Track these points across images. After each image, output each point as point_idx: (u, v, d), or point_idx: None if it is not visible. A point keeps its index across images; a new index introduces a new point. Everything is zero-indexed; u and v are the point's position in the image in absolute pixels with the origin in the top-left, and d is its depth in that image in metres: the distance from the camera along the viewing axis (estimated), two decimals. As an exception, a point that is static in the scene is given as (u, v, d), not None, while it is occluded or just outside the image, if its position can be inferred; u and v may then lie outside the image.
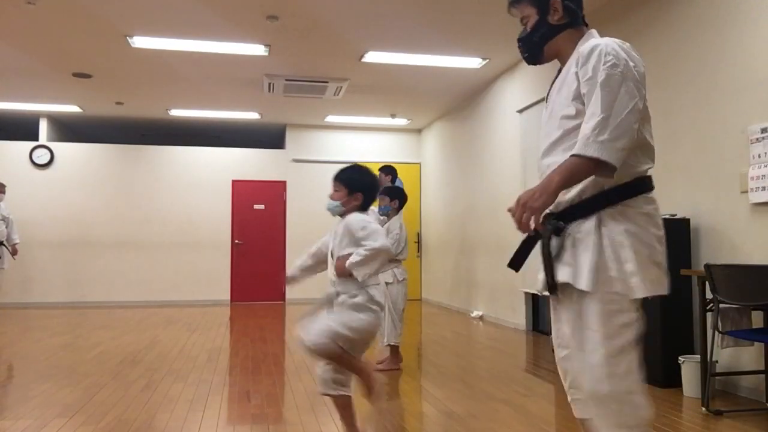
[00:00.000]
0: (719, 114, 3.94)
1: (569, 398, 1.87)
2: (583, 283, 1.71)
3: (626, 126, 1.67)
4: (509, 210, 1.73)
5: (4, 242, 7.87)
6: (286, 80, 7.30)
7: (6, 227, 7.92)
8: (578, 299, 1.75)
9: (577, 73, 1.80)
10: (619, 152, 1.66)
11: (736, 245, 3.79)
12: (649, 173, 1.82)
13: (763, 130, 3.59)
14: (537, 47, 1.98)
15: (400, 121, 10.01)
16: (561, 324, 1.83)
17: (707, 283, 3.47)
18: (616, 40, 1.80)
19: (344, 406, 2.68)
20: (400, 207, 4.79)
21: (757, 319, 3.59)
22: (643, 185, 1.79)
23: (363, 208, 2.76)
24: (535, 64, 2.05)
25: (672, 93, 4.37)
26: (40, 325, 7.16)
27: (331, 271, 2.73)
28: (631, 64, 1.75)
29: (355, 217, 2.69)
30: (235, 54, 6.43)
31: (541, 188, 1.69)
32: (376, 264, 2.59)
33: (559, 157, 1.78)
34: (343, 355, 2.58)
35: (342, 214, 2.76)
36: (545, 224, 1.80)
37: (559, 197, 1.77)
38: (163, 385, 4.07)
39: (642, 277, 1.72)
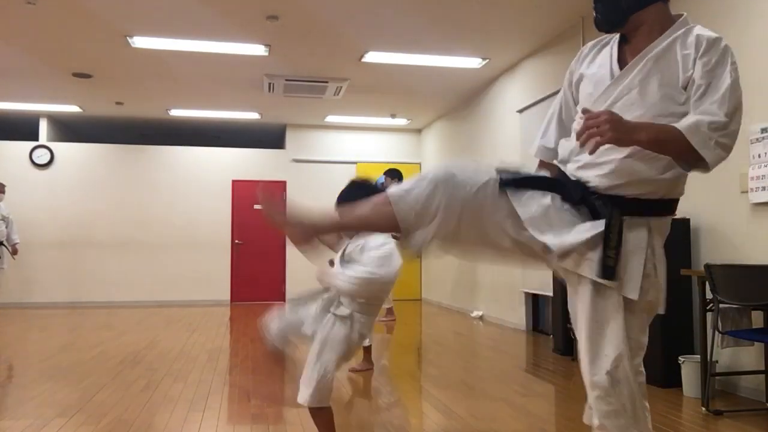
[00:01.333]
0: (719, 114, 3.94)
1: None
2: (632, 291, 1.65)
3: (734, 140, 1.60)
4: (585, 113, 1.57)
5: (4, 242, 7.86)
6: (286, 80, 7.30)
7: (6, 227, 7.91)
8: (617, 303, 1.66)
9: (693, 59, 1.64)
10: (720, 160, 1.58)
11: (736, 245, 3.79)
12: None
13: (763, 130, 3.60)
14: (622, 14, 1.76)
15: (400, 121, 10.01)
16: (593, 322, 1.69)
17: (707, 283, 3.47)
18: None
19: (326, 420, 2.55)
20: None
21: (757, 319, 3.59)
22: (676, 206, 1.76)
23: None
24: (609, 31, 1.84)
25: (672, 93, 4.36)
26: (40, 325, 7.16)
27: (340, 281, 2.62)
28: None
29: (378, 239, 2.54)
30: (235, 54, 6.43)
31: (631, 128, 1.54)
32: (366, 292, 2.47)
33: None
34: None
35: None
36: (612, 210, 1.64)
37: (613, 181, 1.65)
38: (163, 385, 4.07)
39: (665, 295, 1.73)
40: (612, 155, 1.66)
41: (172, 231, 9.80)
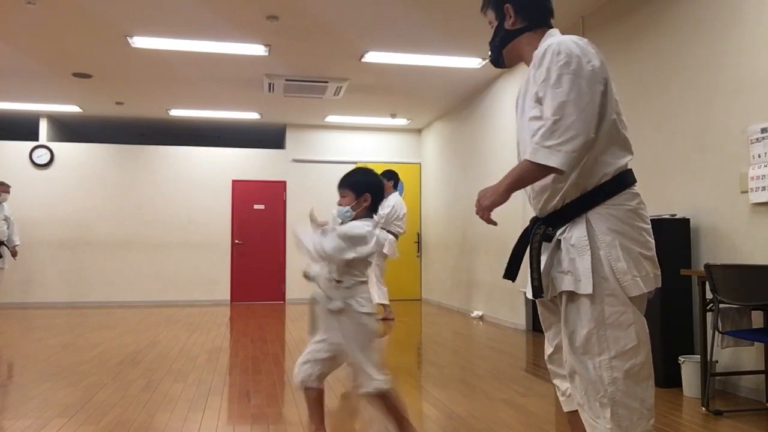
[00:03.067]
0: (719, 114, 3.94)
1: (562, 392, 1.93)
2: (585, 287, 1.71)
3: (578, 128, 1.65)
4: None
5: (5, 242, 7.86)
6: (286, 80, 7.30)
7: (7, 228, 7.90)
8: (581, 304, 1.74)
9: (533, 75, 1.81)
10: (569, 155, 1.65)
11: (736, 245, 3.79)
12: (629, 166, 1.81)
13: (763, 130, 3.60)
14: (496, 52, 2.02)
15: (400, 121, 10.01)
16: (562, 328, 1.81)
17: (707, 283, 3.47)
18: (573, 36, 1.79)
19: (315, 399, 2.70)
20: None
21: (757, 319, 3.59)
22: (625, 180, 1.78)
23: (372, 209, 2.70)
24: (499, 67, 2.09)
25: (672, 93, 4.37)
26: (40, 325, 7.16)
27: (317, 272, 2.69)
28: (585, 60, 1.71)
29: (358, 222, 2.63)
30: (235, 54, 6.43)
31: (493, 189, 1.76)
32: (306, 253, 2.56)
33: None
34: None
35: (354, 219, 2.68)
36: (534, 231, 1.83)
37: (543, 204, 1.83)
38: (163, 385, 4.07)
39: (634, 275, 1.72)
40: (532, 185, 1.86)
41: (172, 231, 9.79)
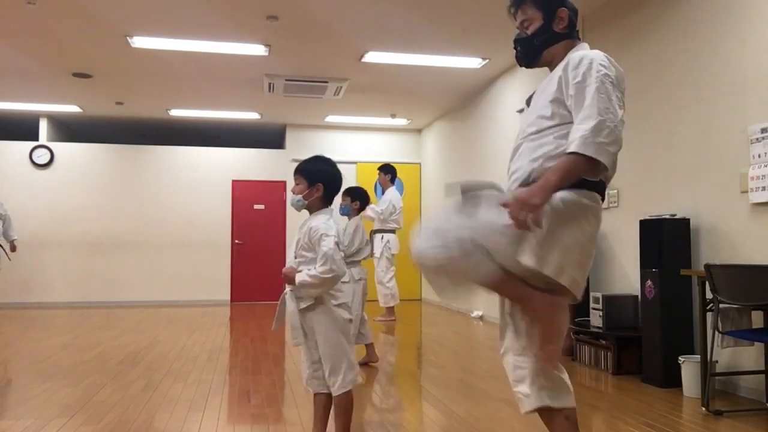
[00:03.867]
0: (719, 114, 3.94)
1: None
2: (529, 260, 1.78)
3: (618, 133, 1.75)
4: (504, 205, 1.73)
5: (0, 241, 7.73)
6: (286, 80, 7.30)
7: (2, 224, 7.78)
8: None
9: (561, 78, 1.88)
10: (612, 156, 1.74)
11: (736, 245, 3.79)
12: (600, 179, 1.87)
13: (763, 130, 3.60)
14: (536, 51, 2.04)
15: (400, 121, 10.01)
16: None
17: (707, 283, 3.47)
18: (604, 54, 1.90)
19: (324, 404, 2.70)
20: (361, 209, 4.75)
21: (757, 319, 3.59)
22: (590, 182, 1.84)
23: (326, 200, 2.66)
24: (528, 67, 2.11)
25: (672, 93, 4.37)
26: (40, 325, 7.16)
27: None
28: (620, 77, 1.84)
29: (321, 223, 2.58)
30: (235, 54, 6.43)
31: (540, 187, 1.72)
32: (323, 288, 2.54)
33: (525, 158, 1.92)
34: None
35: (307, 208, 2.67)
36: None
37: (513, 185, 1.91)
38: (163, 385, 4.07)
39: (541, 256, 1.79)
40: (517, 164, 1.95)
41: (172, 231, 9.79)
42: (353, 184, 5.03)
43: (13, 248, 7.84)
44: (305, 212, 2.72)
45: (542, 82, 2.04)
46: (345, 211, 4.71)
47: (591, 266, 1.91)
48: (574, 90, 1.81)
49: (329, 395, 2.64)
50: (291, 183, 9.55)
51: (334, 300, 2.62)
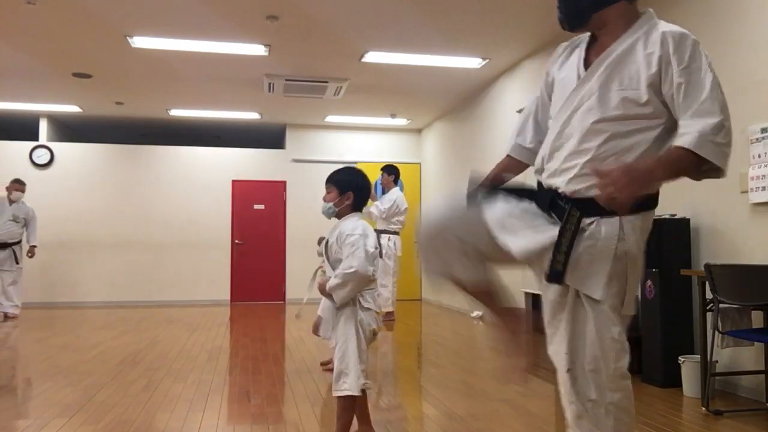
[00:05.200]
0: (719, 114, 3.93)
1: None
2: (598, 292, 1.62)
3: (732, 135, 1.57)
4: (598, 173, 1.50)
5: (19, 243, 7.74)
6: (286, 80, 7.30)
7: (24, 228, 7.78)
8: (583, 305, 1.66)
9: (659, 57, 1.61)
10: (728, 159, 1.55)
11: (736, 245, 3.79)
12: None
13: (763, 130, 3.60)
14: (586, 12, 1.74)
15: (400, 121, 10.01)
16: (561, 324, 1.73)
17: (707, 283, 3.47)
18: None
19: (359, 404, 2.76)
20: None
21: (757, 319, 3.59)
22: (657, 201, 1.71)
23: (355, 207, 2.82)
24: (571, 30, 1.81)
25: (672, 93, 4.36)
26: (39, 325, 7.16)
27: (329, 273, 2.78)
28: None
29: (349, 225, 2.73)
30: (235, 54, 6.42)
31: (644, 176, 1.50)
32: (352, 285, 2.62)
33: (597, 142, 1.63)
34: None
35: (337, 216, 2.83)
36: (570, 212, 1.65)
37: (581, 184, 1.64)
38: (163, 385, 4.07)
39: (633, 295, 1.67)
40: (576, 159, 1.67)
41: (172, 231, 9.79)
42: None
43: (31, 254, 7.82)
44: (306, 214, 2.84)
45: (604, 53, 1.69)
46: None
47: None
48: (683, 77, 1.57)
49: (355, 396, 2.67)
50: (291, 183, 9.58)
51: (364, 302, 2.70)
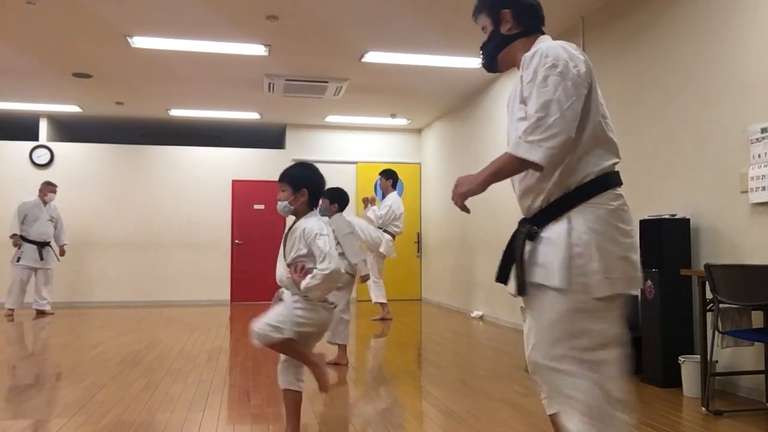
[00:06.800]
0: (719, 114, 3.94)
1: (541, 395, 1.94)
2: (555, 280, 1.75)
3: (560, 126, 1.69)
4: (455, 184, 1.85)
5: (50, 243, 8.14)
6: (286, 80, 7.30)
7: (54, 228, 8.19)
8: (551, 298, 1.78)
9: (521, 77, 1.85)
10: (549, 151, 1.69)
11: (736, 245, 3.79)
12: (615, 168, 1.85)
13: (763, 130, 3.60)
14: (491, 56, 2.06)
15: (400, 121, 10.01)
16: (527, 320, 1.91)
17: (707, 283, 3.47)
18: (561, 42, 1.84)
19: (296, 402, 2.85)
20: (340, 210, 4.70)
21: (757, 319, 3.59)
22: (608, 181, 1.81)
23: (311, 204, 2.84)
24: (491, 72, 2.13)
25: (672, 93, 4.37)
26: (40, 325, 7.16)
27: (281, 272, 2.82)
28: (572, 64, 1.76)
29: (314, 223, 2.75)
30: (235, 54, 6.42)
31: (472, 178, 1.80)
32: (328, 285, 2.68)
33: None
34: (290, 346, 2.73)
35: (294, 213, 2.86)
36: (519, 229, 1.88)
37: (530, 204, 1.88)
38: (163, 385, 4.07)
39: (605, 276, 1.74)
40: (518, 185, 1.92)
41: (172, 231, 9.79)
42: (332, 186, 5.00)
43: (62, 252, 8.24)
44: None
45: (513, 85, 2.03)
46: (322, 214, 4.68)
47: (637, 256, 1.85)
48: (527, 90, 1.79)
49: (297, 392, 2.84)
50: (291, 183, 9.26)
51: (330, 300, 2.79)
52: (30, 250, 7.95)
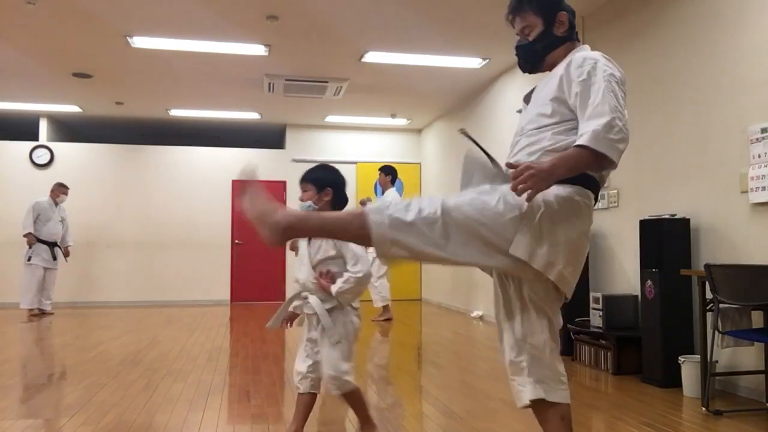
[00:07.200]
0: (719, 114, 3.94)
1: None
2: (519, 251, 1.80)
3: (626, 132, 1.77)
4: (510, 166, 1.77)
5: (58, 243, 8.22)
6: (286, 80, 7.30)
7: (62, 229, 8.28)
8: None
9: (562, 77, 1.90)
10: (620, 154, 1.76)
11: (736, 245, 3.79)
12: (596, 178, 1.89)
13: (763, 130, 3.60)
14: (539, 57, 2.05)
15: (400, 121, 10.01)
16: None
17: (707, 283, 3.47)
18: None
19: (309, 405, 2.79)
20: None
21: (757, 319, 3.59)
22: (584, 179, 1.85)
23: (335, 204, 2.79)
24: (531, 72, 2.13)
25: (672, 93, 4.37)
26: (40, 325, 7.16)
27: (306, 276, 2.72)
28: (623, 79, 1.88)
29: None
30: (235, 54, 6.43)
31: (545, 173, 1.70)
32: (360, 288, 2.66)
33: (522, 153, 1.94)
34: (359, 395, 2.74)
35: None
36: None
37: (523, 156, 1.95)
38: (163, 385, 4.07)
39: (529, 246, 1.80)
40: (514, 159, 1.95)
41: (172, 231, 9.79)
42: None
43: (67, 253, 8.36)
44: None
45: (542, 81, 2.06)
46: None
47: (583, 263, 1.92)
48: (579, 87, 1.82)
49: (314, 395, 2.75)
50: (291, 183, 9.57)
51: (354, 303, 2.72)
52: (41, 249, 8.03)
